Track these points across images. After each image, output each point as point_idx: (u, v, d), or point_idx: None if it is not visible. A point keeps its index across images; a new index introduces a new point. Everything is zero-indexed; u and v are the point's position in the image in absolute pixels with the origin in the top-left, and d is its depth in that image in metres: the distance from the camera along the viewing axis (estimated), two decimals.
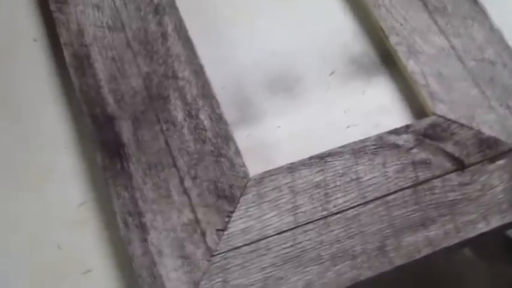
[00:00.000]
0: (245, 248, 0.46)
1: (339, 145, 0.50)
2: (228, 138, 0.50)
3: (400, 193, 0.48)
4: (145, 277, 0.45)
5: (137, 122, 0.50)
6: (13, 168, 0.49)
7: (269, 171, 0.49)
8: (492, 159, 0.50)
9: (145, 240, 0.46)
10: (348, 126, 0.52)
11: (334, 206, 0.48)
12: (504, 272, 1.24)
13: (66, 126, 0.51)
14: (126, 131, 0.50)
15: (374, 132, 0.51)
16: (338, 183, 0.48)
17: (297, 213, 0.47)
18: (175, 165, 0.48)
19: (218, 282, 0.45)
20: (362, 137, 0.51)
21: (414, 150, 0.50)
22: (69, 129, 0.51)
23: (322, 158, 0.49)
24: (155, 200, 0.48)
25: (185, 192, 0.48)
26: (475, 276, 1.24)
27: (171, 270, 0.46)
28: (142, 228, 0.47)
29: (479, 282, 1.21)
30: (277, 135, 0.52)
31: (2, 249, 0.47)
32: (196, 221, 0.47)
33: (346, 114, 0.53)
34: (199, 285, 0.45)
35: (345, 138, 0.50)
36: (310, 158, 0.49)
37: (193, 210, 0.47)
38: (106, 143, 0.49)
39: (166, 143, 0.49)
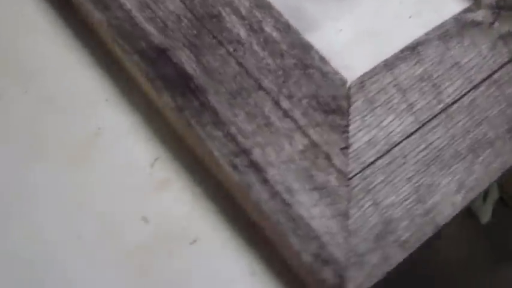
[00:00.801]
0: (380, 161, 0.38)
1: (410, 36, 0.44)
2: (307, 47, 0.41)
3: (503, 69, 0.43)
4: (284, 222, 0.35)
5: (195, 48, 0.39)
6: (57, 141, 0.36)
7: (366, 73, 0.41)
8: None
9: (265, 180, 0.36)
10: (410, 16, 0.46)
11: (448, 96, 0.41)
12: None
13: (97, 82, 0.39)
14: (187, 60, 0.39)
15: (437, 18, 0.45)
16: (440, 72, 0.42)
17: (415, 111, 0.40)
18: (262, 88, 0.38)
19: (368, 206, 0.37)
20: (428, 25, 0.45)
21: (496, 24, 0.45)
22: (105, 83, 0.39)
23: (413, 49, 0.43)
24: (256, 132, 0.37)
25: (287, 115, 0.38)
26: None
27: (310, 206, 0.36)
28: (256, 167, 0.36)
29: None
30: (343, 39, 0.44)
31: (78, 238, 0.33)
32: (313, 144, 0.37)
33: (403, 4, 0.46)
34: (349, 215, 0.36)
35: (412, 28, 0.44)
36: (401, 50, 0.42)
37: (304, 134, 0.38)
38: (170, 80, 0.38)
39: (240, 65, 0.39)
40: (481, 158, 0.40)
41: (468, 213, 1.17)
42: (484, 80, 0.43)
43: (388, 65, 0.42)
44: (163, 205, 0.36)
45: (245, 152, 0.37)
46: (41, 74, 0.40)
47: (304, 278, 0.36)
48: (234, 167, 0.36)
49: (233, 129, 0.37)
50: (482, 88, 0.42)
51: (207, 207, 0.37)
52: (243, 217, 0.36)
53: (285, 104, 0.38)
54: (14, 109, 0.38)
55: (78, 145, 0.37)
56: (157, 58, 0.39)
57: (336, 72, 0.40)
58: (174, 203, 0.37)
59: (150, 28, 0.40)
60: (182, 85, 0.38)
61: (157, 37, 0.39)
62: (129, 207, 0.36)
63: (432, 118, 0.40)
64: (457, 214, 0.38)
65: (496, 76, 0.43)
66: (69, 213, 0.35)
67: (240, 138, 0.37)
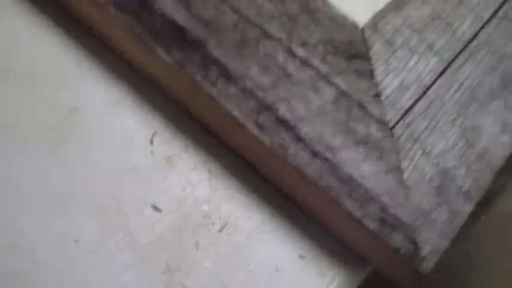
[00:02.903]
0: (418, 106, 0.33)
1: None
2: None
3: (508, 5, 0.40)
4: (335, 186, 0.28)
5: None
6: (31, 125, 0.27)
7: (377, 14, 0.35)
8: None
9: (300, 138, 0.29)
10: None
11: (463, 34, 0.37)
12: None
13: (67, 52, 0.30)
14: (173, 10, 0.31)
15: None
16: (448, 10, 0.37)
17: (437, 51, 0.35)
18: (269, 36, 0.32)
19: (420, 157, 0.31)
20: None
21: None
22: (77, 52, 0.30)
23: None
24: (276, 85, 0.30)
25: (305, 63, 0.32)
26: None
27: (360, 163, 0.29)
28: (286, 124, 0.29)
29: None
30: None
31: (76, 242, 0.24)
32: (343, 93, 0.31)
33: None
34: (402, 169, 0.30)
35: None
36: None
37: (330, 82, 0.31)
38: (159, 33, 0.30)
39: (238, 12, 0.32)
40: None
41: None
42: (492, 16, 0.38)
43: (397, 6, 0.36)
44: (174, 187, 0.28)
45: (269, 109, 0.29)
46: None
47: (368, 250, 0.29)
48: (261, 126, 0.29)
49: (249, 84, 0.30)
50: (494, 22, 0.38)
51: (230, 185, 0.29)
52: (277, 192, 0.29)
53: (300, 51, 0.32)
54: None
55: (56, 127, 0.28)
56: (140, 8, 0.31)
57: (345, 16, 0.34)
58: (187, 183, 0.28)
59: None
60: (177, 38, 0.30)
61: None
62: (133, 195, 0.27)
63: (456, 56, 0.35)
64: (509, 156, 0.33)
65: (501, 12, 0.39)
66: (60, 211, 0.26)
67: (259, 93, 0.30)
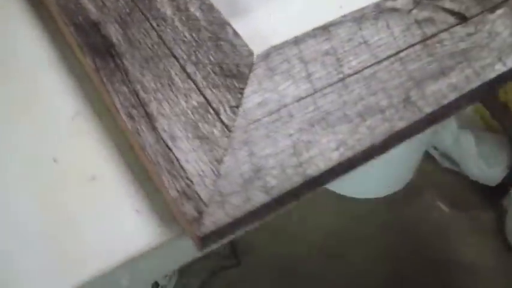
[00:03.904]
0: (266, 119, 0.43)
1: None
2: (223, 24, 0.47)
3: (411, 49, 0.46)
4: (162, 163, 0.40)
5: (125, 23, 0.47)
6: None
7: (274, 46, 0.45)
8: (491, 10, 0.49)
9: (154, 128, 0.42)
10: (341, 6, 0.50)
11: (349, 68, 0.45)
12: (477, 216, 1.25)
13: (43, 48, 0.47)
14: (114, 32, 0.46)
15: None
16: (347, 48, 0.46)
17: (312, 79, 0.44)
18: (173, 55, 0.45)
19: (244, 155, 0.41)
20: None
21: (414, 11, 0.48)
22: (49, 51, 0.47)
23: (325, 29, 0.47)
24: (158, 90, 0.43)
25: (189, 77, 0.44)
26: (456, 227, 1.24)
27: (189, 151, 0.41)
28: (150, 117, 0.42)
29: (461, 232, 1.22)
30: (272, 23, 0.49)
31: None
32: (207, 102, 0.43)
33: None
34: (223, 161, 0.41)
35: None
36: (313, 29, 0.47)
37: (201, 93, 0.43)
38: (94, 47, 0.45)
39: (159, 37, 0.46)
40: (368, 122, 0.43)
41: (506, 247, 1.16)
42: (389, 56, 0.46)
43: (298, 40, 0.47)
44: (74, 149, 0.43)
45: (143, 105, 0.43)
46: None
47: (172, 212, 0.41)
48: (130, 116, 0.43)
49: (138, 87, 0.44)
50: (386, 63, 0.46)
51: (109, 151, 0.43)
52: (138, 162, 0.42)
53: (190, 68, 0.45)
54: None
55: (20, 104, 0.45)
56: (89, 30, 0.46)
57: (245, 45, 0.46)
58: (83, 147, 0.44)
59: (89, 6, 0.48)
60: (104, 51, 0.45)
61: (94, 13, 0.47)
62: (45, 150, 0.43)
63: (328, 86, 0.44)
64: (331, 169, 0.41)
65: (402, 54, 0.46)
66: None
67: (142, 93, 0.44)
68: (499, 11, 0.49)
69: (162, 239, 0.40)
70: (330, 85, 0.44)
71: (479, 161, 1.28)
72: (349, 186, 1.28)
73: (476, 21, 0.48)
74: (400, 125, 0.43)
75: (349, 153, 0.42)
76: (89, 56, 0.45)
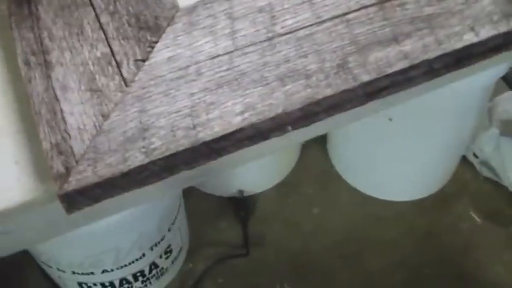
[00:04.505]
0: (170, 75, 0.37)
1: None
2: None
3: (363, 11, 0.39)
4: (43, 114, 0.36)
5: None
6: None
7: (203, 0, 0.40)
8: None
9: (48, 76, 0.38)
10: None
11: (282, 28, 0.39)
12: None
13: None
14: None
15: None
16: (286, 6, 0.39)
17: (236, 37, 0.38)
18: (91, 4, 0.40)
19: (134, 112, 0.36)
20: None
21: None
22: None
23: None
24: (65, 38, 0.39)
25: (101, 27, 0.39)
26: (486, 242, 1.10)
27: (76, 104, 0.36)
28: (47, 65, 0.38)
29: (492, 248, 1.08)
30: None
31: None
32: (112, 53, 0.38)
33: None
34: (110, 117, 0.36)
35: None
36: None
37: (108, 44, 0.38)
38: None
39: None
40: (287, 87, 0.36)
41: None
42: (335, 17, 0.39)
43: None
44: None
45: (44, 52, 0.39)
46: None
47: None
48: (27, 63, 0.39)
49: (45, 34, 0.40)
50: (328, 24, 0.39)
51: (6, 99, 0.40)
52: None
53: (105, 18, 0.40)
54: None
55: None
56: None
57: None
58: None
59: None
60: None
61: None
62: None
63: (251, 45, 0.38)
64: (228, 134, 0.35)
65: (351, 15, 0.39)
66: None
67: (47, 41, 0.40)
68: None
69: (34, 194, 0.36)
70: (254, 44, 0.38)
71: None
72: (375, 186, 1.17)
73: None
74: (326, 92, 0.36)
75: (253, 119, 0.35)
76: (6, 2, 0.41)
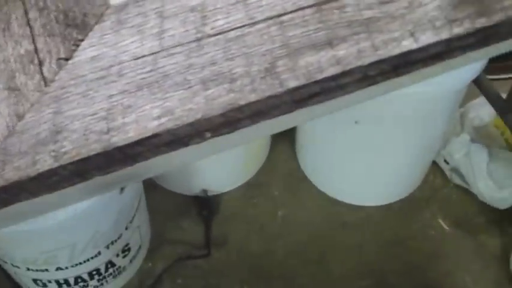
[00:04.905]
0: (91, 75, 0.35)
1: None
2: None
3: (299, 12, 0.37)
4: None
5: None
6: None
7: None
8: None
9: None
10: None
11: (212, 28, 0.37)
12: (481, 241, 1.08)
13: None
14: None
15: None
16: (220, 5, 0.38)
17: (164, 37, 0.37)
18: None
19: (49, 113, 0.34)
20: None
21: None
22: None
23: None
24: None
25: (28, 23, 0.38)
26: (454, 250, 1.08)
27: None
28: None
29: (459, 256, 1.06)
30: None
31: None
32: (35, 51, 0.36)
33: None
34: (24, 117, 0.34)
35: None
36: None
37: (33, 41, 0.37)
38: None
39: None
40: (210, 91, 0.35)
41: (509, 278, 0.99)
42: (268, 18, 0.37)
43: None
44: None
45: None
46: None
47: None
48: None
49: None
50: (260, 26, 0.37)
51: None
52: None
53: (33, 14, 0.39)
54: None
55: None
56: None
57: None
58: None
59: None
60: None
61: None
62: None
63: (178, 45, 0.37)
64: (145, 139, 0.34)
65: (286, 17, 0.37)
66: None
67: None
68: None
69: None
70: (181, 45, 0.36)
71: (489, 180, 1.10)
72: (342, 189, 1.14)
73: None
74: (250, 98, 0.34)
75: (170, 124, 0.33)
76: None
